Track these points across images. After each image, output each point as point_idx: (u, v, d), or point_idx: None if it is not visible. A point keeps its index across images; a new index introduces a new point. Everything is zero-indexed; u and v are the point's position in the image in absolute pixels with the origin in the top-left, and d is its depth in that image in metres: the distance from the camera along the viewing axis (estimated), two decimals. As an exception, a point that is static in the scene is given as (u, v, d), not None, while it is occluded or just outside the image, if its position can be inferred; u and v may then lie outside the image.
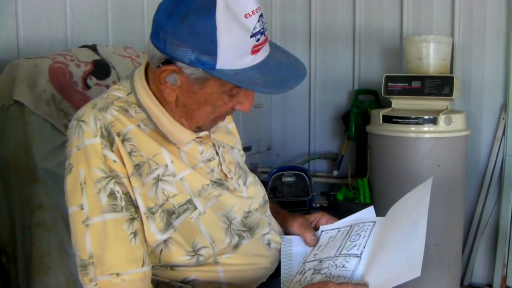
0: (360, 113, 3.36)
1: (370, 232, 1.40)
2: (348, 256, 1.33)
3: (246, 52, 1.18)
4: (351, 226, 1.48)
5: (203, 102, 1.27)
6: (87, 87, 1.83)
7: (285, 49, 1.34)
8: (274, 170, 2.51)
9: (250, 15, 1.15)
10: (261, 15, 1.18)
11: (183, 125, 1.33)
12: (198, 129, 1.36)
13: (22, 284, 1.74)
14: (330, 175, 3.64)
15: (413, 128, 2.83)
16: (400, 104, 3.07)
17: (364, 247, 1.34)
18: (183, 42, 1.16)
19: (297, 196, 2.39)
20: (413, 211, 1.31)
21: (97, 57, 1.94)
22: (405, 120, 2.84)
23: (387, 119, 2.92)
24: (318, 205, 2.33)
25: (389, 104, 3.12)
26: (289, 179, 2.50)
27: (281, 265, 1.46)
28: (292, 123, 3.97)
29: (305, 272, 1.36)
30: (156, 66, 1.25)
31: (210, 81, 1.22)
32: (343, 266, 1.30)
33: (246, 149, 3.55)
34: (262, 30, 1.19)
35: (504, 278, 3.28)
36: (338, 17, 3.70)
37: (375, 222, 1.44)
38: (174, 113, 1.32)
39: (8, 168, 1.72)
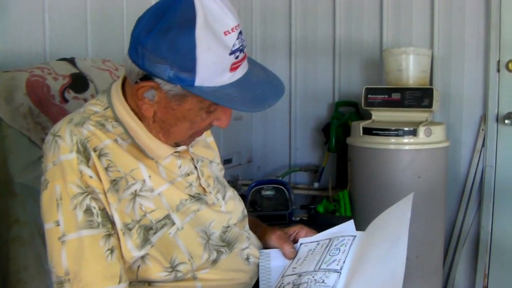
0: (341, 125, 3.36)
1: (350, 246, 1.39)
2: (327, 271, 1.32)
3: (225, 69, 1.17)
4: (330, 239, 1.47)
5: (181, 118, 1.26)
6: (65, 100, 1.81)
7: (263, 65, 1.34)
8: (253, 184, 2.50)
9: (229, 32, 1.15)
10: (240, 32, 1.18)
11: (160, 140, 1.32)
12: (175, 145, 1.35)
13: (-1, 300, 1.71)
14: (311, 187, 3.64)
15: (393, 140, 2.84)
16: (380, 116, 3.08)
17: (344, 262, 1.34)
18: (163, 59, 1.15)
19: (276, 209, 2.38)
20: (394, 227, 1.30)
21: (75, 70, 1.92)
22: (385, 132, 2.85)
23: (367, 131, 2.92)
24: (298, 219, 2.32)
25: (369, 116, 3.12)
26: (268, 192, 2.49)
27: (260, 279, 1.45)
28: (272, 135, 3.96)
29: (284, 287, 1.35)
30: (134, 82, 1.24)
31: (188, 98, 1.21)
32: (323, 281, 1.29)
33: (226, 161, 3.58)
34: (241, 47, 1.18)
35: (486, 288, 3.29)
36: (318, 29, 3.71)
37: (355, 236, 1.43)
38: (151, 128, 1.31)
39: (-16, 182, 1.70)
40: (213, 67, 1.15)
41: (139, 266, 1.28)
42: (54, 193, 1.22)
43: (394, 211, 1.38)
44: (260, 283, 1.44)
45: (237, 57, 1.18)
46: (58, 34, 2.29)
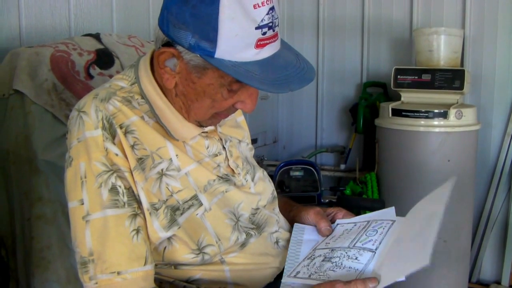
0: (368, 106, 3.31)
1: (388, 229, 1.35)
2: (362, 250, 1.28)
3: (250, 44, 1.11)
4: (368, 221, 1.43)
5: (201, 94, 1.21)
6: (90, 76, 1.78)
7: (296, 50, 1.27)
8: (281, 164, 2.45)
9: (259, 6, 1.09)
10: (272, 8, 1.12)
11: (184, 117, 1.28)
12: (199, 124, 1.31)
13: (22, 278, 1.70)
14: (337, 168, 3.59)
15: (422, 122, 2.77)
16: (409, 97, 3.01)
17: (380, 243, 1.29)
18: (185, 25, 1.11)
19: (305, 191, 2.32)
20: (431, 208, 1.26)
21: (101, 46, 1.89)
22: (415, 114, 2.78)
23: (396, 112, 2.85)
24: (327, 201, 2.28)
25: (398, 97, 3.06)
26: (297, 173, 2.43)
27: (289, 250, 1.41)
28: (299, 115, 3.91)
29: (314, 258, 1.32)
30: (157, 48, 1.20)
31: (209, 71, 1.17)
32: (356, 258, 1.26)
33: (252, 141, 3.51)
34: (271, 25, 1.13)
35: (513, 275, 3.24)
36: (347, 7, 3.63)
37: (394, 221, 1.39)
38: (174, 102, 1.27)
39: (7, 159, 1.68)
40: (236, 39, 1.10)
41: (165, 248, 1.24)
42: (79, 170, 1.19)
43: (434, 195, 1.33)
44: (288, 253, 1.39)
45: (264, 33, 1.12)
46: (83, 10, 2.27)
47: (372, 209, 1.61)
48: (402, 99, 3.02)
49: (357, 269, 1.22)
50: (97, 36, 1.94)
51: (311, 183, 2.38)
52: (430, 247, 1.08)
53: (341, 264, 1.25)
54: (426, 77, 2.90)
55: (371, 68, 3.61)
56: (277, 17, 1.15)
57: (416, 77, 2.93)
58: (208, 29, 1.09)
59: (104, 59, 1.85)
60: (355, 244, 1.32)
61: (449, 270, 2.88)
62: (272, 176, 2.34)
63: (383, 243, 1.29)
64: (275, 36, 1.16)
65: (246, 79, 1.12)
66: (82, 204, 1.17)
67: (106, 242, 1.15)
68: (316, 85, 3.79)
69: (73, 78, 1.74)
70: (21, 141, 1.65)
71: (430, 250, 1.08)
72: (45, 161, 1.63)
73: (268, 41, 1.14)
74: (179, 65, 1.19)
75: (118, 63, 1.88)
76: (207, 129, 1.34)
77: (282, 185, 2.32)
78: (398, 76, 2.99)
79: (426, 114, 2.76)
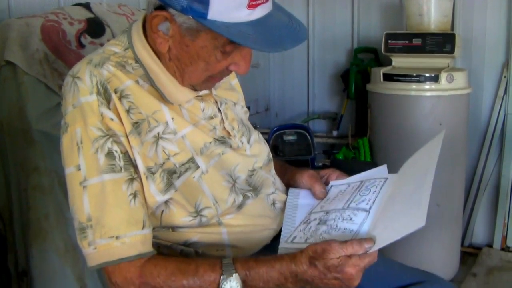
0: (360, 72, 3.31)
1: (381, 188, 1.36)
2: (356, 210, 1.29)
3: (242, 4, 1.11)
4: (362, 181, 1.44)
5: (195, 57, 1.21)
6: (81, 45, 1.77)
7: (288, 11, 1.27)
8: (275, 129, 2.46)
9: None
10: None
11: (178, 81, 1.28)
12: (193, 88, 1.31)
13: (20, 250, 1.71)
14: (330, 135, 3.60)
15: (414, 86, 2.77)
16: (400, 62, 3.01)
17: (373, 202, 1.30)
18: None
19: (299, 154, 2.33)
20: (423, 164, 1.27)
21: (91, 15, 1.88)
22: (406, 78, 2.78)
23: (388, 77, 2.86)
24: (320, 164, 2.28)
25: (389, 63, 3.05)
26: (290, 137, 2.44)
27: (285, 215, 1.42)
28: (290, 82, 3.91)
29: (310, 222, 1.33)
30: (149, 12, 1.20)
31: (202, 33, 1.16)
32: (350, 219, 1.27)
33: (244, 109, 3.53)
34: None
35: (505, 238, 3.27)
36: (336, -28, 3.61)
37: (387, 178, 1.40)
38: (168, 67, 1.27)
39: (2, 130, 1.68)
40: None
41: (162, 211, 1.26)
42: (75, 136, 1.19)
43: (425, 150, 1.35)
44: (284, 218, 1.41)
45: None
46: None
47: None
48: (393, 64, 3.02)
49: (352, 230, 1.23)
50: (87, 6, 1.93)
51: (305, 147, 2.39)
52: (424, 207, 1.09)
53: (336, 226, 1.26)
54: (416, 41, 2.90)
55: (362, 34, 3.60)
56: None
57: (407, 42, 2.93)
58: None
59: (95, 28, 1.84)
60: (349, 205, 1.33)
61: (441, 234, 2.91)
62: (266, 141, 2.35)
63: (377, 202, 1.30)
64: None
65: (240, 39, 1.12)
66: (79, 169, 1.18)
67: (104, 206, 1.16)
68: (307, 51, 3.78)
69: (65, 47, 1.74)
70: (15, 112, 1.65)
71: (425, 210, 1.08)
72: (40, 131, 1.63)
73: (260, 1, 1.14)
74: (172, 29, 1.19)
75: (109, 31, 1.88)
76: (201, 93, 1.34)
77: (276, 149, 2.32)
78: (389, 41, 2.98)
79: (417, 78, 2.76)
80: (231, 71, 1.28)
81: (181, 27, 1.17)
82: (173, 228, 1.28)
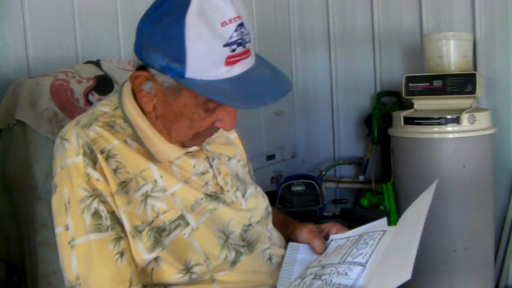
0: (383, 116, 3.29)
1: (379, 241, 1.33)
2: (352, 264, 1.27)
3: (219, 62, 1.12)
4: (360, 235, 1.42)
5: (179, 115, 1.22)
6: (89, 103, 1.81)
7: (273, 65, 1.27)
8: (282, 180, 2.45)
9: (227, 23, 1.10)
10: (240, 25, 1.12)
11: (166, 138, 1.29)
12: (182, 145, 1.32)
13: (33, 304, 1.73)
14: (356, 180, 3.58)
15: (436, 128, 2.75)
16: (422, 104, 2.99)
17: (370, 256, 1.28)
18: (156, 47, 1.13)
19: (307, 205, 2.31)
20: (415, 216, 1.25)
21: (100, 73, 1.92)
22: (427, 121, 2.77)
23: (409, 120, 2.84)
24: (330, 214, 2.26)
25: (412, 105, 3.04)
26: (298, 188, 2.42)
27: (281, 270, 1.40)
28: (315, 128, 3.91)
29: (305, 277, 1.31)
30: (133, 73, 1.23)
31: (183, 91, 1.18)
32: (346, 274, 1.24)
33: (269, 157, 3.56)
34: (240, 41, 1.13)
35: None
36: (357, 18, 3.63)
37: (386, 231, 1.37)
38: (156, 125, 1.28)
39: (14, 187, 1.72)
40: (204, 58, 1.11)
41: (153, 269, 1.25)
42: (63, 197, 1.21)
43: (419, 201, 1.32)
44: (280, 274, 1.39)
45: (233, 50, 1.12)
46: (89, 37, 2.29)
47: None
48: (415, 106, 3.01)
49: (347, 285, 1.21)
50: (97, 63, 1.97)
51: (313, 197, 2.37)
52: (411, 259, 1.07)
53: (331, 281, 1.24)
54: (437, 83, 2.88)
55: (385, 77, 3.60)
56: (248, 33, 1.15)
57: (427, 84, 2.92)
58: (177, 50, 1.10)
59: (104, 85, 1.88)
60: (345, 259, 1.31)
61: (471, 278, 2.84)
62: (274, 192, 2.34)
63: (373, 256, 1.27)
64: (246, 52, 1.16)
65: (216, 97, 1.13)
66: (67, 229, 1.19)
67: (91, 266, 1.17)
68: (331, 97, 3.79)
69: (73, 105, 1.78)
70: (24, 170, 1.68)
71: (412, 263, 1.06)
72: (47, 188, 1.65)
73: (239, 58, 1.14)
74: (155, 88, 1.21)
75: (118, 88, 1.92)
76: (191, 149, 1.35)
77: (283, 200, 2.31)
78: (409, 84, 2.98)
79: (438, 121, 2.74)
80: (219, 128, 1.28)
81: (162, 86, 1.19)
82: (165, 285, 1.27)
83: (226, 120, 1.24)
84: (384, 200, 2.94)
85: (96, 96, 1.84)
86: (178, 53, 1.10)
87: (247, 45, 1.16)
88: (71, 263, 1.18)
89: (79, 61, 2.24)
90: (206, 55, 1.11)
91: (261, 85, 1.18)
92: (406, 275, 1.04)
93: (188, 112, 1.21)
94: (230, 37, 1.11)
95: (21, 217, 1.72)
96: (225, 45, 1.11)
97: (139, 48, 1.18)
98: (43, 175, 1.67)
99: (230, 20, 1.11)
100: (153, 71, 1.17)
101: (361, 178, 3.53)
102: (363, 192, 3.46)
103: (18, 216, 1.74)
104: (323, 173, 3.35)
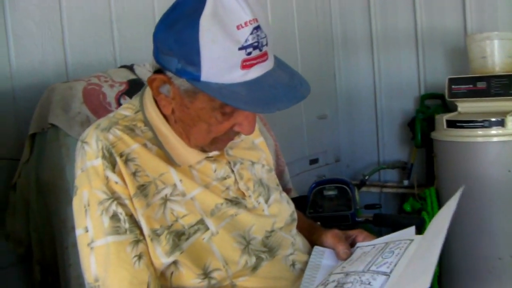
0: (426, 119, 3.22)
1: (405, 250, 1.29)
2: (376, 274, 1.23)
3: (235, 65, 1.11)
4: (387, 243, 1.38)
5: (196, 118, 1.22)
6: (121, 106, 1.83)
7: (292, 68, 1.25)
8: (313, 184, 2.41)
9: (242, 26, 1.09)
10: (256, 28, 1.11)
11: (185, 142, 1.29)
12: (202, 150, 1.31)
13: (64, 305, 1.75)
14: (400, 185, 3.52)
15: (479, 132, 2.66)
16: (466, 107, 2.91)
17: (395, 265, 1.24)
18: (171, 50, 1.13)
19: (338, 210, 2.26)
20: (438, 224, 1.21)
21: (133, 77, 1.94)
22: (470, 124, 2.67)
23: (451, 124, 2.76)
24: (362, 219, 2.21)
25: (456, 108, 2.96)
26: (330, 192, 2.38)
27: (305, 274, 1.38)
28: (359, 132, 3.86)
29: (327, 284, 1.28)
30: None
31: (199, 95, 1.17)
32: (369, 283, 1.21)
33: (313, 161, 3.53)
34: (256, 44, 1.11)
35: None
36: (399, 19, 3.57)
37: (412, 240, 1.34)
38: (175, 129, 1.29)
39: (48, 189, 1.75)
40: (219, 61, 1.10)
41: (172, 273, 1.25)
42: (83, 199, 1.23)
43: (444, 209, 1.28)
44: (303, 279, 1.36)
45: (249, 54, 1.10)
46: (127, 42, 2.32)
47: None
48: (459, 109, 2.92)
49: None
50: (131, 67, 2.00)
51: (345, 202, 2.32)
52: (432, 269, 1.03)
53: None
54: (481, 85, 2.80)
55: (428, 80, 3.52)
56: (265, 36, 1.13)
57: (471, 86, 2.83)
58: (192, 53, 1.10)
59: (135, 89, 1.89)
60: (369, 267, 1.28)
61: (520, 286, 2.74)
62: (306, 197, 2.31)
63: (399, 265, 1.23)
64: (263, 55, 1.14)
65: (230, 100, 1.11)
66: (87, 231, 1.21)
67: (109, 268, 1.18)
68: (375, 100, 3.74)
69: (105, 109, 1.80)
70: (58, 173, 1.72)
71: (432, 272, 1.02)
72: (77, 190, 1.68)
73: (255, 61, 1.13)
74: (172, 91, 1.21)
75: (149, 92, 1.93)
76: (212, 154, 1.34)
77: (315, 205, 2.27)
78: (452, 86, 2.89)
79: (482, 124, 2.64)
80: (238, 132, 1.27)
81: (179, 89, 1.19)
82: None
83: (244, 124, 1.23)
84: (427, 206, 2.87)
85: (128, 99, 1.86)
86: (192, 56, 1.10)
87: (264, 48, 1.14)
88: (91, 265, 1.20)
89: (117, 66, 2.27)
90: (221, 59, 1.10)
91: (276, 89, 1.16)
92: (424, 285, 1.01)
93: (205, 116, 1.20)
94: (246, 40, 1.10)
95: (54, 219, 1.75)
96: (241, 48, 1.10)
97: (155, 51, 1.19)
98: (74, 177, 1.69)
99: (245, 23, 1.10)
100: (170, 74, 1.18)
101: (406, 183, 3.47)
102: (407, 197, 3.40)
103: (51, 219, 1.76)
104: (366, 177, 3.29)
